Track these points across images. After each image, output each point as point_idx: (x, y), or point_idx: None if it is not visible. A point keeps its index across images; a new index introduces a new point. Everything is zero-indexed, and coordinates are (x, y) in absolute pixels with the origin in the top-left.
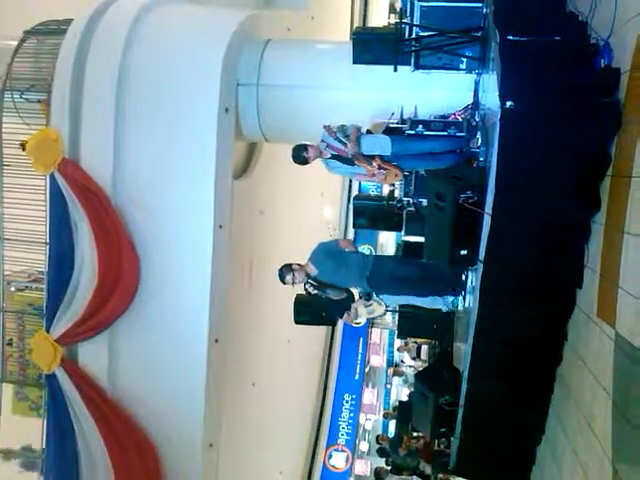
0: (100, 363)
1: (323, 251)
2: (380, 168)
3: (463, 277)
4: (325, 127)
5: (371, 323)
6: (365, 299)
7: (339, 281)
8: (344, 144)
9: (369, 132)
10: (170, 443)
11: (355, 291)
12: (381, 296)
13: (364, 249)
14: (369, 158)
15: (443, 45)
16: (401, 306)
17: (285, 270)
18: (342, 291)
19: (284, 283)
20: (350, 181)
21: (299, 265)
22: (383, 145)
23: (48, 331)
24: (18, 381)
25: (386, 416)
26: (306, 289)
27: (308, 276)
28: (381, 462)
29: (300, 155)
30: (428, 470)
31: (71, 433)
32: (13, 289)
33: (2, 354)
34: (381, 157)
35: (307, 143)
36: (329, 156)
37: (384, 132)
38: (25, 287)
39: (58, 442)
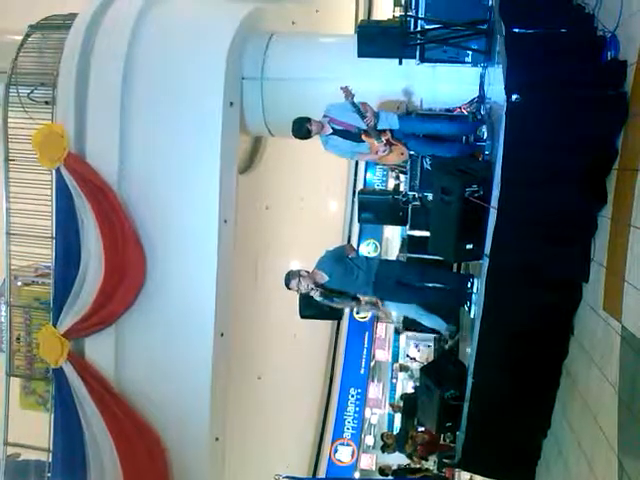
0: (107, 357)
1: (332, 257)
2: (388, 144)
3: (468, 285)
4: (342, 88)
5: (376, 318)
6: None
7: (349, 287)
8: (361, 114)
9: None
10: (176, 437)
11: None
12: (387, 303)
13: (369, 244)
14: (378, 133)
15: (448, 38)
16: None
17: (292, 275)
18: (350, 299)
19: (289, 288)
20: (355, 175)
21: (307, 272)
22: (390, 119)
23: (55, 325)
24: (25, 375)
25: (392, 407)
26: (310, 296)
27: (316, 284)
28: (385, 457)
29: (303, 127)
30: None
31: (78, 427)
32: (20, 284)
33: (10, 348)
34: (391, 132)
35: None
36: (330, 132)
37: None
38: (32, 282)
39: (65, 436)
